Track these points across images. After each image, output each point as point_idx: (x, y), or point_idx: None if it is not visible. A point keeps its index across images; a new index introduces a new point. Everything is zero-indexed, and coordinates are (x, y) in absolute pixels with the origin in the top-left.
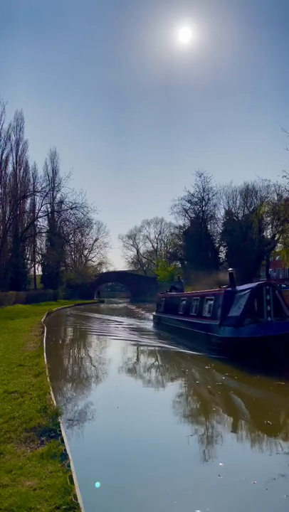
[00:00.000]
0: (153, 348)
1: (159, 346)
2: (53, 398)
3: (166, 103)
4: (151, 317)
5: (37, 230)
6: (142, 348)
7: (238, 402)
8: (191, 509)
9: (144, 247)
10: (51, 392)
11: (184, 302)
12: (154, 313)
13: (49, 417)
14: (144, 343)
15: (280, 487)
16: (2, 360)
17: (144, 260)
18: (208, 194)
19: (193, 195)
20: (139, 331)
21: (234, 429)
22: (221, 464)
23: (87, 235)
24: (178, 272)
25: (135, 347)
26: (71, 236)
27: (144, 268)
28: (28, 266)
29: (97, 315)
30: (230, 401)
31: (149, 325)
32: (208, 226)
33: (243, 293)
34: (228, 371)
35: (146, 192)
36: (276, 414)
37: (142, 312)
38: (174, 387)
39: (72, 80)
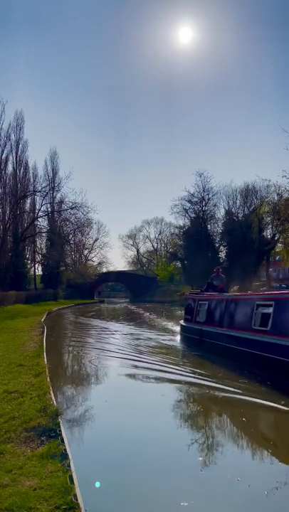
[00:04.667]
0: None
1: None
2: (53, 398)
3: (167, 103)
4: (169, 325)
5: (37, 230)
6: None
7: None
8: (189, 507)
9: (144, 247)
10: (51, 392)
11: (263, 310)
12: (182, 322)
13: (49, 417)
14: (204, 385)
15: (262, 485)
16: (2, 360)
17: (144, 260)
18: (208, 194)
19: (193, 195)
20: (169, 353)
21: (230, 432)
22: (217, 462)
23: (87, 234)
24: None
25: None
26: (71, 236)
27: (144, 268)
28: (28, 266)
29: (100, 322)
30: None
31: (175, 340)
32: (208, 226)
33: None
34: None
35: (146, 192)
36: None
37: (145, 314)
38: None
39: (73, 79)
